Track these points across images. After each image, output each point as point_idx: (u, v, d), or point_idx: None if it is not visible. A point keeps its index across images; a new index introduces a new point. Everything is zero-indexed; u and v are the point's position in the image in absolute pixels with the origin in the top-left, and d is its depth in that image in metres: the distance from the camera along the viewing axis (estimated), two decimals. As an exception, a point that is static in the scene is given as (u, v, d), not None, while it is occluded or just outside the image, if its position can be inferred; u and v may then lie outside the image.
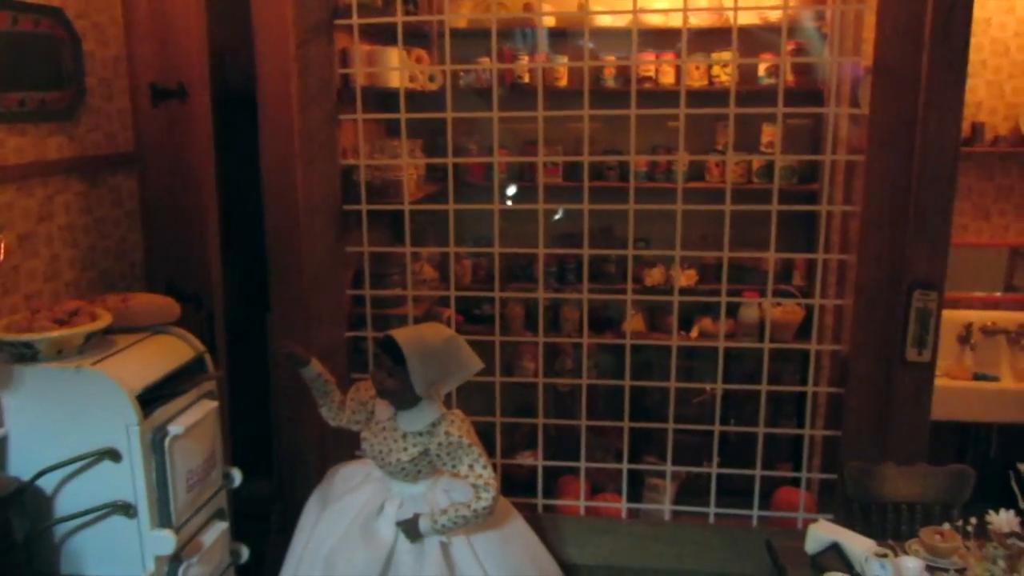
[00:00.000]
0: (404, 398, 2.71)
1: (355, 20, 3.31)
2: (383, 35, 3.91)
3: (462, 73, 4.39)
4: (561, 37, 4.44)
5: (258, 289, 3.46)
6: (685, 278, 4.50)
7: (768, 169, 4.33)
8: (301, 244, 3.38)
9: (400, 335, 2.67)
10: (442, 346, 2.67)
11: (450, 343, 2.70)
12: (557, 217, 4.48)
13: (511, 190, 4.53)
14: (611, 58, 4.40)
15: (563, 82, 4.41)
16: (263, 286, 3.43)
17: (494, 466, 2.82)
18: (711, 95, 4.31)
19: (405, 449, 2.72)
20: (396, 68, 3.56)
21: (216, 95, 3.26)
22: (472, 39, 4.31)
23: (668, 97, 3.53)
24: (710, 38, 4.32)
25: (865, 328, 3.20)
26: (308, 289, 3.43)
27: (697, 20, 4.28)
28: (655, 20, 4.34)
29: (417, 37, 4.37)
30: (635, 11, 3.25)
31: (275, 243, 3.38)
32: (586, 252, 3.49)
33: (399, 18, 3.32)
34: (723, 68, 4.27)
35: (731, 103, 3.34)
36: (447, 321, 3.80)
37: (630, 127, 3.38)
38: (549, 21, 4.30)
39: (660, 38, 4.34)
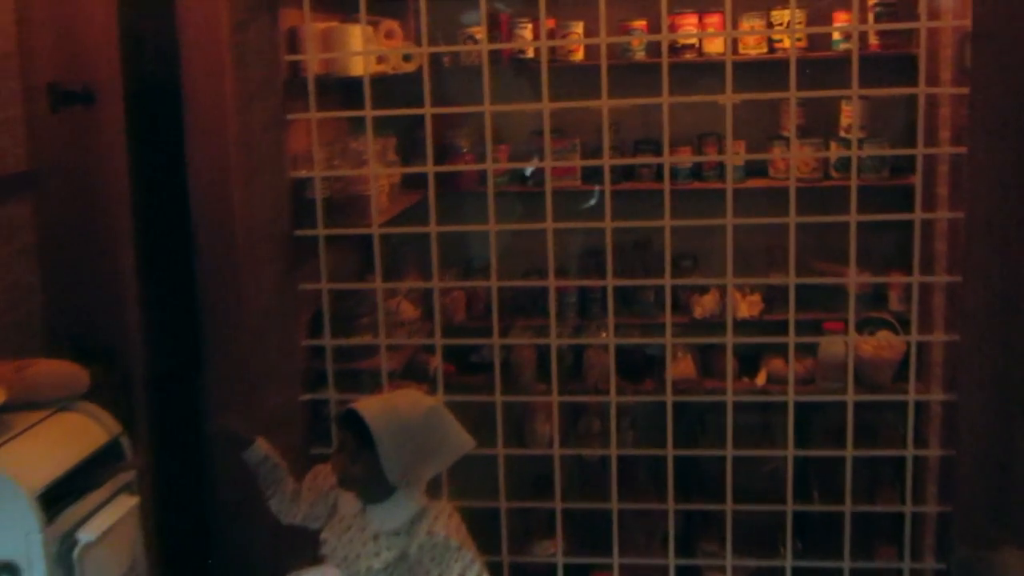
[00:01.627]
0: (374, 489, 2.73)
1: (306, -7, 3.51)
2: (343, 6, 4.09)
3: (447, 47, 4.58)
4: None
5: (188, 341, 3.61)
6: (747, 306, 4.65)
7: (849, 160, 4.48)
8: (241, 281, 3.53)
9: (366, 408, 2.70)
10: (421, 421, 2.70)
11: (431, 417, 2.73)
12: (593, 201, 4.64)
13: (528, 170, 4.70)
14: (640, 23, 4.58)
15: (578, 55, 4.59)
16: (195, 337, 3.58)
17: (499, 565, 2.95)
18: (772, 67, 4.48)
19: (377, 554, 2.74)
20: (359, 53, 3.74)
21: (133, 93, 3.40)
22: (460, 2, 4.49)
23: (716, 70, 3.67)
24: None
25: (976, 369, 3.34)
26: (252, 339, 3.58)
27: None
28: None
29: (387, 3, 4.55)
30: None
31: (208, 281, 3.53)
32: (610, 283, 3.64)
33: (360, -11, 3.50)
34: (787, 30, 4.44)
35: (791, 79, 3.50)
36: (434, 372, 3.95)
37: (664, 112, 3.54)
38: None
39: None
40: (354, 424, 2.70)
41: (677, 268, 4.68)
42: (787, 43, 4.41)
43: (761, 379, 4.60)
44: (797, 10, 4.38)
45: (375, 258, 3.70)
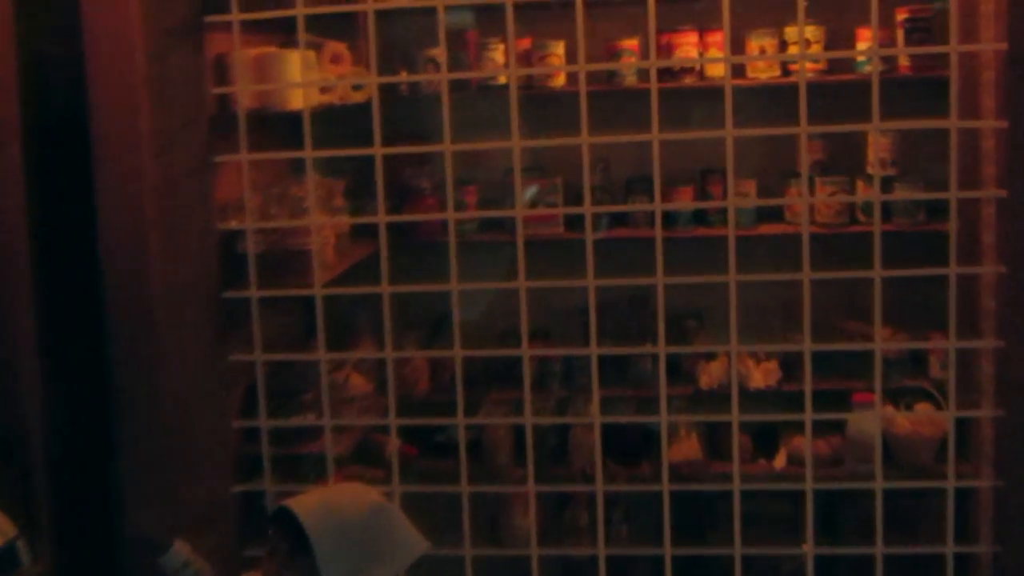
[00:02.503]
0: (310, 602, 2.76)
1: (235, 15, 3.65)
2: (280, 28, 4.24)
3: (404, 73, 4.73)
4: (554, 10, 4.78)
5: (99, 424, 3.68)
6: (762, 375, 4.76)
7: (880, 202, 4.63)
8: (161, 352, 3.62)
9: (301, 505, 2.74)
10: (366, 520, 2.75)
11: (377, 515, 2.79)
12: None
13: (529, 192, 4.83)
14: (631, 43, 4.74)
15: (559, 80, 4.74)
16: (106, 419, 3.65)
17: None
18: (786, 92, 4.63)
19: None
20: (298, 84, 3.88)
21: (36, 132, 3.49)
22: (418, 18, 4.64)
23: (722, 96, 3.80)
24: (783, 5, 4.66)
25: (1019, 457, 3.46)
26: (173, 420, 3.65)
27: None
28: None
29: (334, 22, 4.70)
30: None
31: (122, 352, 3.60)
32: (594, 351, 3.78)
33: (300, 9, 3.65)
34: (796, 55, 4.60)
35: (802, 109, 3.66)
36: (391, 456, 4.05)
37: (654, 150, 3.69)
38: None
39: (706, 7, 4.67)
40: (287, 525, 2.73)
41: (679, 329, 4.79)
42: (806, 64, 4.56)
43: (780, 461, 4.69)
44: (813, 27, 4.55)
45: (318, 323, 3.81)
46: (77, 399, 3.72)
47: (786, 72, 4.68)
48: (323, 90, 4.13)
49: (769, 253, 4.52)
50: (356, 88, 4.43)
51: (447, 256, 3.79)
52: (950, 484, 3.79)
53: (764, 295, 4.37)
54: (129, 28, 3.47)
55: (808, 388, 3.79)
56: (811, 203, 4.07)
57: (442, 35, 3.69)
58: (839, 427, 4.52)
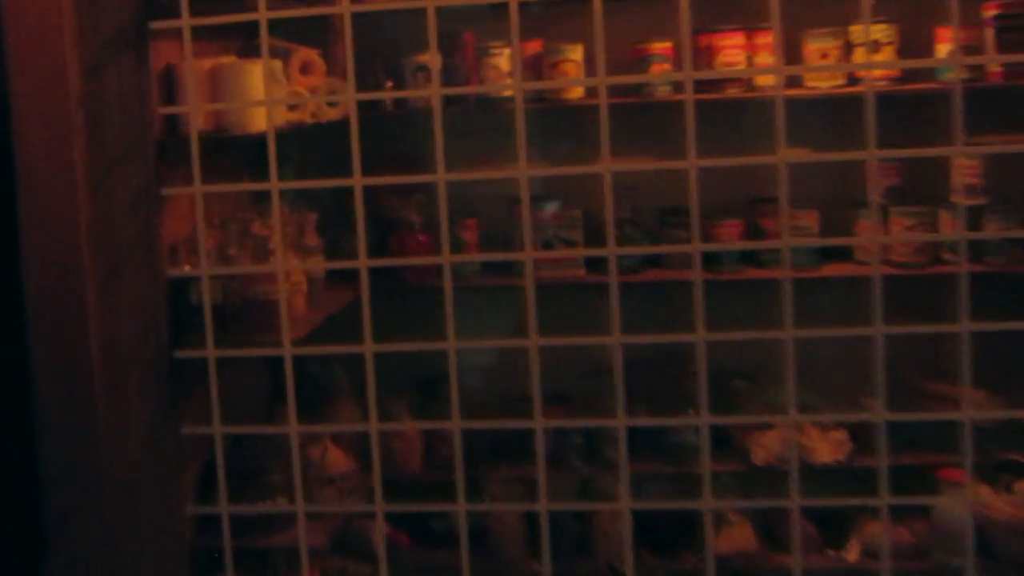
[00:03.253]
0: None
1: (186, 20, 3.64)
2: (239, 32, 4.25)
3: (388, 85, 4.74)
4: (568, 7, 4.79)
5: (28, 516, 3.67)
6: (828, 447, 4.73)
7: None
8: (100, 426, 3.60)
9: None
10: None
11: None
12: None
13: (550, 206, 4.83)
14: (663, 46, 4.74)
15: (576, 91, 4.74)
16: (36, 508, 3.64)
17: None
18: (853, 104, 4.63)
19: None
20: (259, 103, 3.89)
21: None
22: (403, 17, 4.64)
23: (771, 109, 3.79)
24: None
25: None
26: (116, 508, 3.64)
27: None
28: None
29: (303, 24, 4.71)
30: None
31: (53, 427, 3.59)
32: (622, 423, 3.75)
33: (263, 13, 3.65)
34: (871, 51, 4.60)
35: (869, 121, 3.64)
36: (377, 548, 4.03)
37: (691, 182, 3.67)
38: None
39: (754, 2, 4.67)
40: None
41: (726, 392, 4.77)
42: (876, 72, 4.57)
43: (852, 553, 4.66)
44: (884, 26, 4.55)
45: (288, 388, 3.80)
46: (2, 488, 3.72)
47: (852, 80, 4.67)
48: (291, 107, 4.13)
49: (834, 299, 4.48)
50: (331, 104, 4.43)
51: (442, 303, 3.77)
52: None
53: (830, 348, 4.34)
54: (59, 38, 3.48)
55: (884, 464, 3.75)
56: (884, 239, 4.04)
57: (433, 39, 3.68)
58: (923, 511, 4.49)
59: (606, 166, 3.61)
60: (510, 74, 4.65)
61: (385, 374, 3.86)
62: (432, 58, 3.73)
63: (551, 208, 4.84)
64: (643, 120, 4.57)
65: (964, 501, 4.13)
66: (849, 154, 3.78)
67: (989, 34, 4.55)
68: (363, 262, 3.70)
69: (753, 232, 4.82)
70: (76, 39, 3.48)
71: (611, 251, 3.70)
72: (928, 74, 4.70)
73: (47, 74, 3.47)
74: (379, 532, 4.04)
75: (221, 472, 3.91)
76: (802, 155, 3.65)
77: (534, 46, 4.78)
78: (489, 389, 4.67)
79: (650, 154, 4.65)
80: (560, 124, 4.60)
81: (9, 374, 3.61)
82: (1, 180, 3.52)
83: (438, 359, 4.44)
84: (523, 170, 3.61)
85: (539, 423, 3.81)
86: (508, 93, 4.70)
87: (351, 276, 4.12)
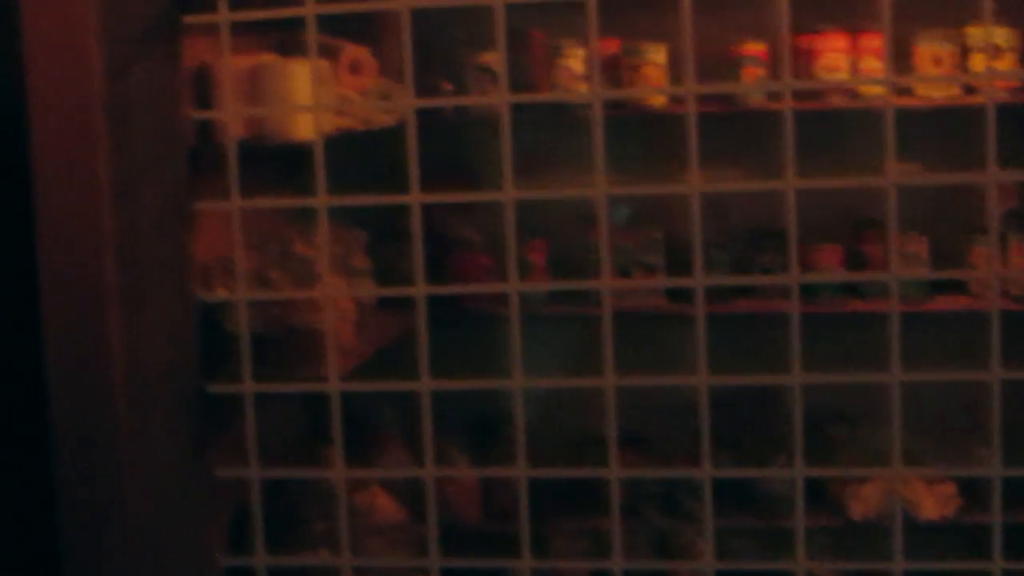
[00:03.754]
0: None
1: (224, 15, 3.68)
2: (280, 28, 4.27)
3: (448, 87, 4.76)
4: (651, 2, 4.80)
5: (43, 561, 3.71)
6: (934, 502, 4.74)
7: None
8: (122, 464, 3.65)
9: None
10: None
11: None
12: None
13: (622, 213, 4.85)
14: (757, 48, 4.75)
15: (658, 98, 4.76)
16: (54, 555, 3.68)
17: None
18: (970, 117, 4.63)
19: None
20: (307, 108, 3.92)
21: None
22: (465, 11, 4.66)
23: (877, 121, 3.78)
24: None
25: None
26: (138, 556, 3.67)
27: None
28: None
29: (352, 17, 4.75)
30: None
31: (70, 465, 3.63)
32: (707, 473, 3.76)
33: (310, 7, 3.68)
34: (991, 57, 4.60)
35: (989, 137, 3.64)
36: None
37: (790, 204, 3.68)
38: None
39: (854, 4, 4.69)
40: None
41: (823, 438, 4.78)
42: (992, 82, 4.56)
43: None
44: (1005, 29, 4.55)
45: (334, 429, 3.82)
46: (16, 530, 3.76)
47: (969, 89, 4.67)
48: (339, 112, 4.16)
49: (946, 335, 4.50)
50: (383, 101, 4.46)
51: (504, 333, 3.78)
52: None
53: (939, 391, 4.33)
54: (82, 31, 3.50)
55: (998, 522, 3.75)
56: (1003, 272, 4.03)
57: (501, 40, 3.70)
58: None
59: (694, 186, 3.62)
60: (585, 78, 4.68)
61: (438, 411, 3.88)
62: (500, 60, 3.75)
63: (624, 215, 4.85)
64: (733, 129, 4.60)
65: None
66: (966, 175, 3.76)
67: None
68: (420, 288, 3.71)
69: (855, 259, 4.83)
70: (100, 33, 3.47)
71: (698, 281, 3.70)
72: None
73: (68, 72, 3.49)
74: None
75: (257, 520, 3.93)
76: (913, 175, 3.66)
77: (611, 45, 4.82)
78: (554, 427, 4.69)
79: (741, 168, 4.67)
80: (639, 132, 4.62)
81: (23, 408, 3.64)
82: (16, 190, 3.57)
83: (498, 395, 4.48)
84: (601, 188, 3.62)
85: (614, 472, 3.80)
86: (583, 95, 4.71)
87: (404, 303, 4.15)
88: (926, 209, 4.70)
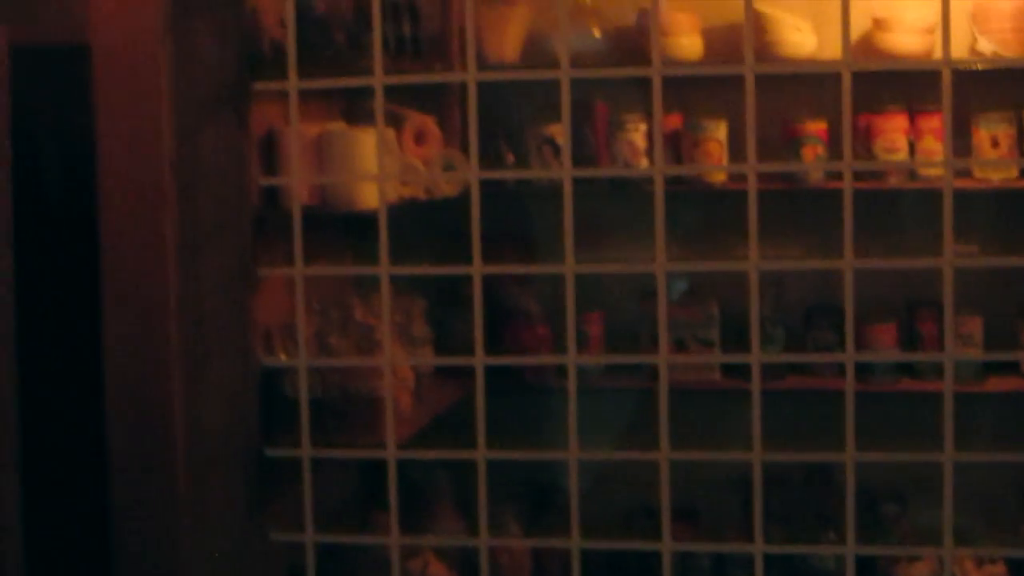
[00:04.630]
0: None
1: (293, 82, 3.71)
2: (348, 96, 4.31)
3: (511, 158, 4.78)
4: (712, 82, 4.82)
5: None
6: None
7: None
8: (180, 526, 3.63)
9: None
10: None
11: None
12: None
13: (679, 286, 4.87)
14: (818, 126, 4.75)
15: (719, 174, 4.76)
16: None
17: None
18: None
19: None
20: (373, 177, 3.93)
21: (25, 226, 3.58)
22: (530, 83, 4.68)
23: (935, 200, 3.77)
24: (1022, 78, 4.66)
25: None
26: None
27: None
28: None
29: (417, 90, 4.77)
30: None
31: (129, 525, 3.62)
32: (759, 548, 3.74)
33: (379, 78, 3.71)
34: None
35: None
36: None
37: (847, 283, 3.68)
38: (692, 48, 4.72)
39: (919, 80, 4.66)
40: None
41: (874, 516, 4.74)
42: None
43: None
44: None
45: (390, 495, 3.81)
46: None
47: (1029, 172, 4.68)
48: (404, 181, 4.17)
49: (998, 416, 4.47)
50: (446, 172, 4.48)
51: (560, 404, 3.77)
52: None
53: (990, 471, 4.32)
54: (154, 96, 3.51)
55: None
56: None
57: (565, 113, 3.72)
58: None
59: (753, 263, 3.62)
60: (646, 152, 4.69)
61: (493, 478, 3.87)
62: (564, 132, 3.76)
63: (682, 288, 4.86)
64: (792, 206, 4.60)
65: None
66: (1022, 259, 3.76)
67: None
68: (479, 358, 3.71)
69: (909, 338, 4.80)
70: (172, 98, 3.47)
71: (755, 358, 3.69)
72: None
73: (139, 136, 3.49)
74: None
75: (315, 584, 3.93)
76: (970, 257, 3.65)
77: (673, 121, 4.82)
78: (607, 498, 4.67)
79: (799, 244, 4.67)
80: (699, 206, 4.63)
81: (84, 467, 3.66)
82: (83, 252, 3.59)
83: (552, 464, 4.47)
84: (661, 264, 3.62)
85: (667, 545, 3.78)
86: (643, 164, 4.72)
87: (461, 372, 4.16)
88: (981, 290, 4.68)
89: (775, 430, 3.83)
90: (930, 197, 4.36)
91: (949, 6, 3.02)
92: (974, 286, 4.43)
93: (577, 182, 3.87)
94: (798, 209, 4.61)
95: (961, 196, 3.69)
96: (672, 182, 4.69)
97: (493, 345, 4.51)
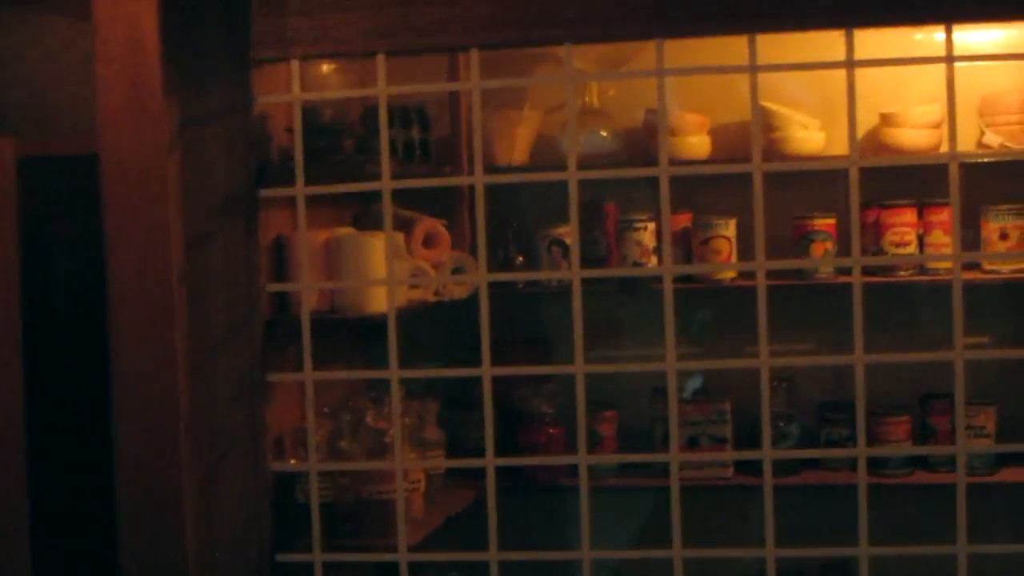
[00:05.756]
0: None
1: (300, 188, 3.71)
2: (357, 200, 4.32)
3: (520, 259, 4.78)
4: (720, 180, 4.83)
5: None
6: None
7: None
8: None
9: None
10: None
11: None
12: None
13: (692, 383, 4.84)
14: (827, 222, 4.74)
15: (728, 273, 4.75)
16: None
17: None
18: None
19: None
20: (383, 282, 3.93)
21: (35, 335, 3.59)
22: (539, 189, 4.69)
23: (945, 293, 3.77)
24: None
25: None
26: None
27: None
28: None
29: (425, 194, 4.78)
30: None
31: None
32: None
33: (387, 183, 3.70)
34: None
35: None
36: None
37: (858, 376, 3.65)
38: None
39: (928, 174, 4.67)
40: None
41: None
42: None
43: None
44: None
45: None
46: None
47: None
48: (413, 285, 4.17)
49: (1012, 507, 4.43)
50: (456, 275, 4.48)
51: (574, 504, 3.75)
52: None
53: (1006, 562, 4.26)
54: (163, 206, 3.51)
55: None
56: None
57: (574, 215, 3.70)
58: None
59: (764, 360, 3.59)
60: (655, 250, 4.68)
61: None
62: (572, 234, 3.75)
63: (695, 386, 4.84)
64: (802, 302, 4.58)
65: None
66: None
67: None
68: (490, 460, 3.69)
69: (922, 432, 4.77)
70: (181, 207, 3.49)
71: (767, 454, 3.65)
72: None
73: (147, 246, 3.47)
74: None
75: None
76: (982, 350, 3.62)
77: (683, 219, 4.83)
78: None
79: (810, 339, 4.66)
80: (710, 304, 4.62)
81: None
82: (93, 364, 3.59)
83: (566, 565, 4.43)
84: (671, 363, 3.59)
85: (680, 658, 3.75)
86: (652, 263, 4.72)
87: (473, 474, 4.13)
88: (994, 380, 4.66)
89: (790, 526, 3.79)
90: (940, 290, 4.36)
91: (955, 100, 3.02)
92: (987, 377, 4.40)
93: (588, 282, 3.86)
94: (809, 305, 4.59)
95: (971, 288, 3.68)
96: (682, 280, 4.68)
97: (507, 447, 4.49)
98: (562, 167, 3.25)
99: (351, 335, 4.29)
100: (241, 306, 3.71)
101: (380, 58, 3.25)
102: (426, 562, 3.92)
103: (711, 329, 4.36)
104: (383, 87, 3.25)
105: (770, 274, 3.62)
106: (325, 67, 4.55)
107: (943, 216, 4.64)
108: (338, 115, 4.33)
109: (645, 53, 3.65)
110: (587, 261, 4.67)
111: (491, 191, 3.83)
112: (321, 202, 4.06)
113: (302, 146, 3.33)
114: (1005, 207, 4.67)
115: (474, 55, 3.24)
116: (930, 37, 4.62)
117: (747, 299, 3.74)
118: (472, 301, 3.80)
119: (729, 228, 4.84)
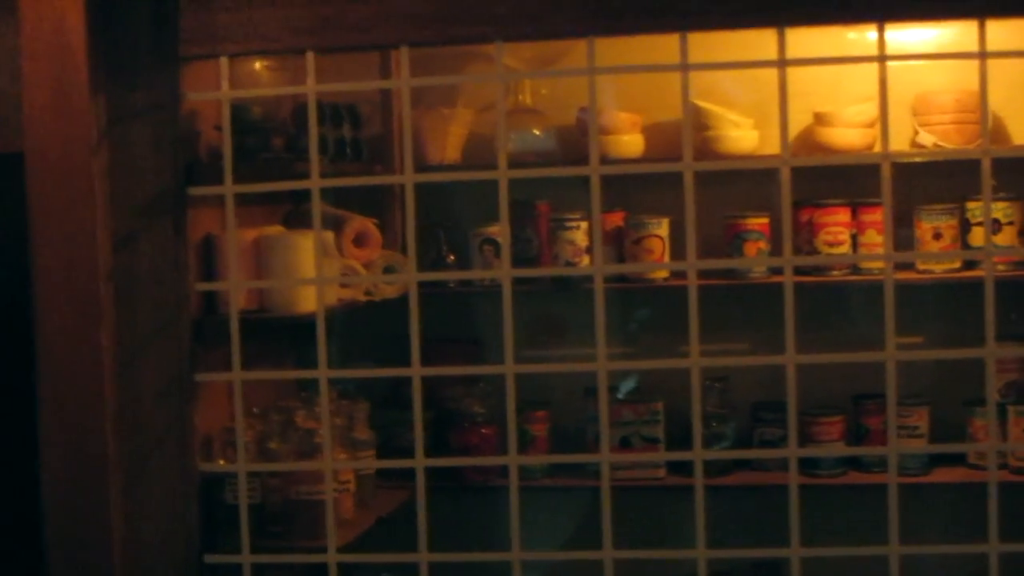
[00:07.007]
0: None
1: (228, 187, 3.69)
2: (286, 200, 4.29)
3: (452, 258, 4.77)
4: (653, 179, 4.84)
5: None
6: None
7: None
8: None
9: None
10: None
11: None
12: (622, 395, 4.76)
13: (628, 384, 4.83)
14: (759, 221, 4.77)
15: (661, 272, 4.76)
16: None
17: None
18: (973, 291, 4.60)
19: None
20: (312, 280, 3.91)
21: None
22: (470, 183, 4.67)
23: (878, 292, 3.78)
24: (964, 171, 4.67)
25: None
26: None
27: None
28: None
29: (355, 193, 4.77)
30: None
31: None
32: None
33: (315, 181, 3.69)
34: (991, 232, 4.61)
35: (988, 314, 3.62)
36: None
37: (789, 378, 3.66)
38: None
39: (861, 174, 4.68)
40: None
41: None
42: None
43: None
44: (1005, 203, 4.55)
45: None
46: None
47: (969, 263, 4.67)
48: (343, 284, 4.16)
49: (945, 507, 4.46)
50: (387, 275, 4.46)
51: (505, 504, 3.74)
52: None
53: (939, 563, 4.29)
54: (89, 205, 3.49)
55: None
56: (1002, 445, 3.98)
57: (504, 213, 3.70)
58: None
59: (695, 360, 3.59)
60: (588, 249, 4.68)
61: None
62: (503, 233, 3.74)
63: (630, 386, 4.85)
64: (735, 302, 4.60)
65: None
66: (965, 351, 3.75)
67: None
68: (420, 460, 3.67)
69: (855, 432, 4.79)
70: (108, 206, 3.46)
71: (698, 454, 3.66)
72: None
73: (74, 245, 3.45)
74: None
75: None
76: (914, 351, 3.65)
77: (615, 219, 4.84)
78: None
79: (743, 340, 4.68)
80: (642, 304, 4.62)
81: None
82: (19, 363, 3.56)
83: (496, 566, 4.43)
84: (602, 363, 3.59)
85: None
86: (585, 265, 4.73)
87: (405, 475, 4.12)
88: (927, 381, 4.69)
89: (723, 526, 3.80)
90: (874, 290, 4.38)
91: (888, 100, 3.03)
92: (920, 377, 4.43)
93: (520, 281, 3.88)
94: (742, 305, 4.61)
95: (905, 288, 3.70)
96: (614, 280, 4.69)
97: (439, 447, 4.50)
98: (495, 166, 3.25)
99: (281, 335, 4.28)
100: (169, 305, 3.68)
101: (309, 55, 3.23)
102: (357, 563, 3.92)
103: (644, 329, 4.37)
104: (312, 85, 3.23)
105: (703, 274, 3.65)
106: (258, 64, 4.54)
107: (876, 216, 4.66)
108: (268, 113, 4.33)
109: (578, 51, 3.65)
110: (519, 260, 4.67)
111: (422, 190, 3.82)
112: (251, 201, 4.04)
113: (231, 144, 3.32)
114: (938, 207, 4.70)
115: (404, 53, 3.24)
116: (864, 36, 4.63)
117: (680, 299, 3.74)
118: (403, 300, 3.80)
119: (662, 227, 4.85)
